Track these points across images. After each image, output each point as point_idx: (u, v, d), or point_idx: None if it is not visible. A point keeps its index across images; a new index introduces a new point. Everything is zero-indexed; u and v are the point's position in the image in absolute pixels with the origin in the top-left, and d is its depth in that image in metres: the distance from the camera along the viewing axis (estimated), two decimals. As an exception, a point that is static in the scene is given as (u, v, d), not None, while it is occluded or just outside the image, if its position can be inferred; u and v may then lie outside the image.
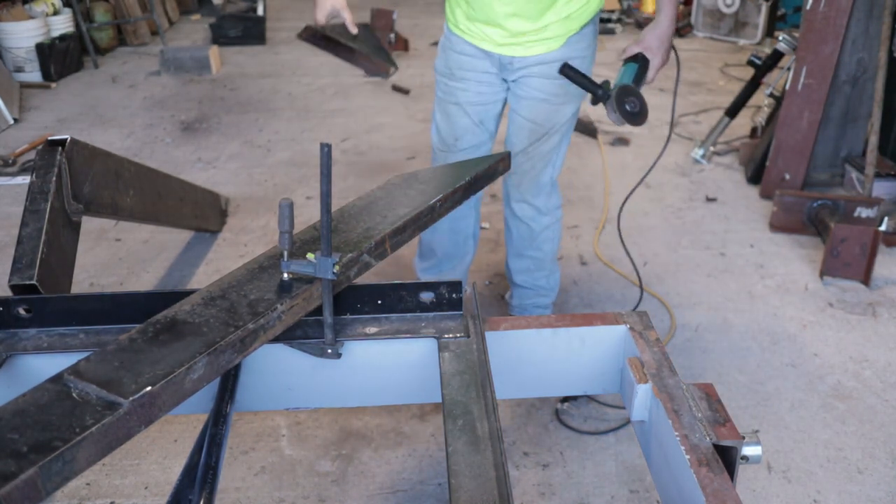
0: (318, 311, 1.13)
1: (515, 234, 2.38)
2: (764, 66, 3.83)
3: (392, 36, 5.58)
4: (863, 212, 3.11)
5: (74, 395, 0.87)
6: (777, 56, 3.77)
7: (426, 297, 1.20)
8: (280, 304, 1.05)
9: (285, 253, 1.07)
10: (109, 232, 3.27)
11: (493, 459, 0.90)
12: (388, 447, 2.12)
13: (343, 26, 2.09)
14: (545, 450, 2.11)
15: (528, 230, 2.34)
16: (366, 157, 4.11)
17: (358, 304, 1.20)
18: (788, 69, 3.56)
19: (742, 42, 6.27)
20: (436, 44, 6.41)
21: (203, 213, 3.05)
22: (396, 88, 5.22)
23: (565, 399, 2.26)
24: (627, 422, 2.18)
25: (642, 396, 1.09)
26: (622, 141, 4.24)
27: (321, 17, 1.99)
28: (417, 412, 2.24)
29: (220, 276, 1.16)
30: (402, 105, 4.95)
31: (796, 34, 3.56)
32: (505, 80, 2.14)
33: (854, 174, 3.53)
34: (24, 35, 5.34)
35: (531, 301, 2.51)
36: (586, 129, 4.34)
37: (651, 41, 1.98)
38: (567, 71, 1.93)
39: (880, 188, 3.36)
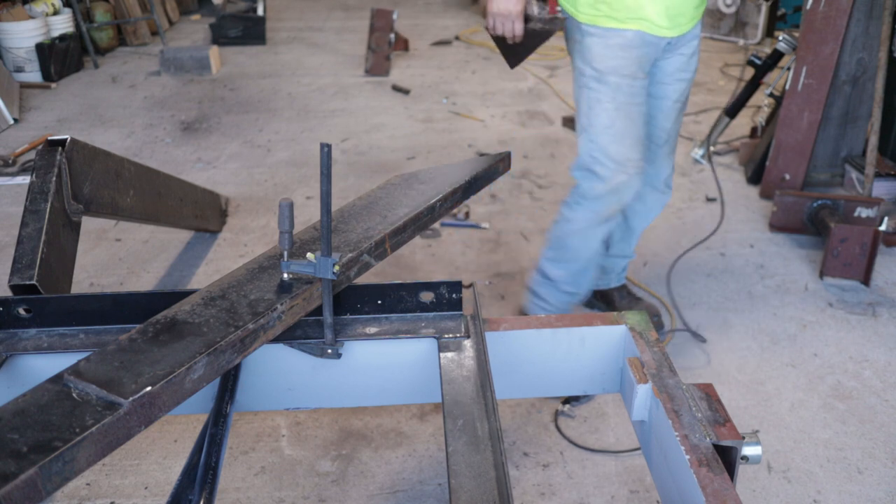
0: (318, 311, 1.13)
1: (653, 204, 2.44)
2: (764, 66, 3.82)
3: (392, 36, 5.57)
4: (863, 212, 3.11)
5: (74, 395, 0.87)
6: (777, 56, 3.77)
7: (426, 297, 1.20)
8: (280, 304, 1.06)
9: (285, 253, 1.07)
10: (109, 232, 3.27)
11: (493, 459, 0.90)
12: (388, 447, 2.12)
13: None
14: (545, 450, 2.11)
15: (666, 193, 2.44)
16: (366, 157, 4.11)
17: (358, 304, 1.20)
18: (788, 69, 3.56)
19: (742, 42, 6.27)
20: (436, 44, 6.43)
21: (203, 213, 3.05)
22: (396, 88, 5.22)
23: (567, 400, 2.26)
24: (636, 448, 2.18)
25: (642, 396, 1.09)
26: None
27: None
28: (417, 412, 2.24)
29: (220, 276, 1.17)
30: (402, 105, 4.95)
31: (796, 34, 3.56)
32: None
33: (854, 174, 3.53)
34: (24, 35, 5.34)
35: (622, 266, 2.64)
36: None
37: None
38: None
39: (880, 188, 3.36)
